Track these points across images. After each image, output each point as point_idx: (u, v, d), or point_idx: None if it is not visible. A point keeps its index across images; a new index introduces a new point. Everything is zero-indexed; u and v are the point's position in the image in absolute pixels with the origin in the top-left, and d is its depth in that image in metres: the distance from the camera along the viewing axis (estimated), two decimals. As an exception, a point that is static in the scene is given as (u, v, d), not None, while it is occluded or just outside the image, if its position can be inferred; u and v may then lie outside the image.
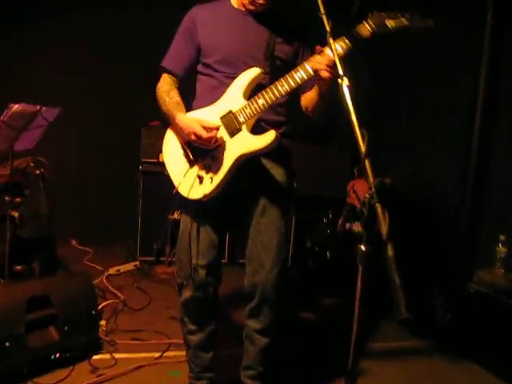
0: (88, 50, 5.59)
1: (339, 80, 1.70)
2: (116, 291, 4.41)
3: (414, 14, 2.15)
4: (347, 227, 5.19)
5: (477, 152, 4.01)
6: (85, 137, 5.63)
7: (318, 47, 2.22)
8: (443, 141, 4.79)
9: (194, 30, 2.53)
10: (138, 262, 5.16)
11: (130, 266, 5.08)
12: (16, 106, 3.54)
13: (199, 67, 2.58)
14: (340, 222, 5.22)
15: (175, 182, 2.49)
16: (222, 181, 2.39)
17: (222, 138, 2.39)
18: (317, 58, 2.22)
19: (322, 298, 4.84)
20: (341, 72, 1.73)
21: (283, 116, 2.56)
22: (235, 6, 2.54)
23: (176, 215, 4.86)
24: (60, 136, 4.89)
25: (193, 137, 2.36)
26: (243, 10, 2.50)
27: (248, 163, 2.40)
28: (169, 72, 2.60)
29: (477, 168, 4.01)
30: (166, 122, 2.57)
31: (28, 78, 5.30)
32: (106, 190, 5.75)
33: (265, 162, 2.51)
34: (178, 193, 2.46)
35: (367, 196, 1.52)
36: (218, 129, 2.36)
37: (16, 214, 3.91)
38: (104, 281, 4.66)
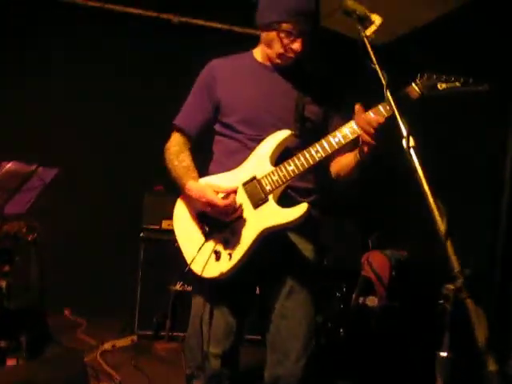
0: (90, 109, 5.39)
1: (403, 142, 1.38)
2: (111, 371, 4.00)
3: (468, 78, 1.93)
4: (361, 301, 4.84)
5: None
6: (83, 200, 5.36)
7: (357, 107, 1.94)
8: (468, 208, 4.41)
9: (212, 84, 2.27)
10: (135, 337, 4.78)
11: (126, 341, 4.69)
12: (9, 164, 3.22)
13: (217, 127, 2.31)
14: (354, 296, 4.87)
15: (187, 257, 2.17)
16: (242, 257, 2.07)
17: (242, 208, 2.09)
18: (359, 120, 1.94)
19: (336, 380, 4.40)
20: (404, 132, 1.42)
21: (313, 183, 2.27)
22: (259, 59, 2.28)
23: (178, 286, 4.67)
24: (57, 199, 4.71)
25: (208, 208, 2.08)
26: (268, 63, 2.24)
27: (272, 237, 2.10)
28: (181, 131, 2.35)
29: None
30: (177, 188, 2.27)
31: (26, 135, 5.08)
32: (104, 258, 5.43)
33: (291, 235, 2.21)
34: (190, 270, 2.15)
35: (451, 288, 1.15)
36: (235, 192, 2.07)
37: (3, 284, 3.57)
38: (98, 358, 4.25)
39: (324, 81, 2.33)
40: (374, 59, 1.59)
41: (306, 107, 2.20)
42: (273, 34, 2.13)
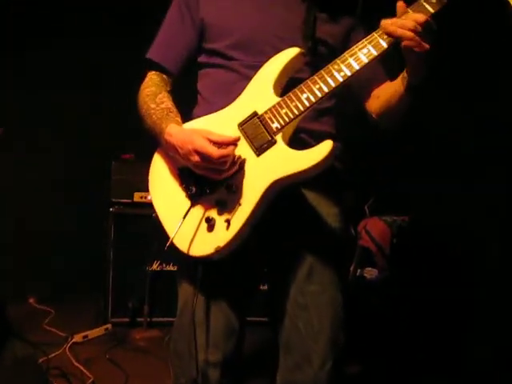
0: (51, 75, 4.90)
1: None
2: (83, 368, 3.57)
3: None
4: (358, 273, 4.46)
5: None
6: (44, 174, 4.91)
7: (400, 3, 1.47)
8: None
9: (193, 1, 1.78)
10: (109, 325, 4.40)
11: (99, 331, 4.30)
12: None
13: (202, 58, 1.81)
14: (352, 269, 4.50)
15: (169, 229, 1.64)
16: (244, 225, 1.53)
17: (242, 157, 1.58)
18: (396, 21, 1.47)
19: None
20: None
21: (332, 127, 1.78)
22: None
23: (156, 266, 4.34)
24: (12, 169, 4.44)
25: (195, 158, 1.54)
26: None
27: (283, 198, 1.59)
28: (157, 67, 1.84)
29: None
30: (154, 140, 1.73)
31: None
32: (71, 238, 5.05)
33: (309, 195, 1.71)
34: (172, 246, 1.61)
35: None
36: (235, 143, 1.56)
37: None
38: (67, 352, 3.82)
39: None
40: None
41: (318, 25, 1.71)
42: None
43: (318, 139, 1.62)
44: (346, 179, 1.84)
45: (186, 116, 1.78)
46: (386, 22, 1.48)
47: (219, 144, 1.53)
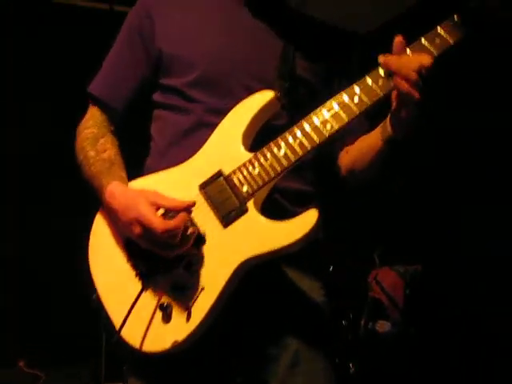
0: None
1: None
2: None
3: None
4: (369, 327, 4.21)
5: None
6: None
7: (398, 39, 1.23)
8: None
9: (148, 26, 1.52)
10: None
11: None
12: None
13: (157, 95, 1.53)
14: (363, 322, 4.28)
15: (114, 317, 1.34)
16: (209, 314, 1.24)
17: (202, 228, 1.29)
18: (394, 62, 1.22)
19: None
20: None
21: (312, 184, 1.50)
22: None
23: None
24: None
25: (136, 229, 1.25)
26: None
27: (257, 274, 1.30)
28: (100, 103, 1.57)
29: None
30: (94, 195, 1.45)
31: None
32: (62, 295, 4.66)
33: (287, 269, 1.42)
34: (119, 341, 1.32)
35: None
36: (189, 210, 1.27)
37: None
38: None
39: (325, 27, 1.60)
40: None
41: (297, 62, 1.45)
42: None
43: (294, 201, 1.40)
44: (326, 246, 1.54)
45: (138, 163, 1.51)
46: (388, 59, 1.21)
47: (169, 210, 1.25)
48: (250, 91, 1.37)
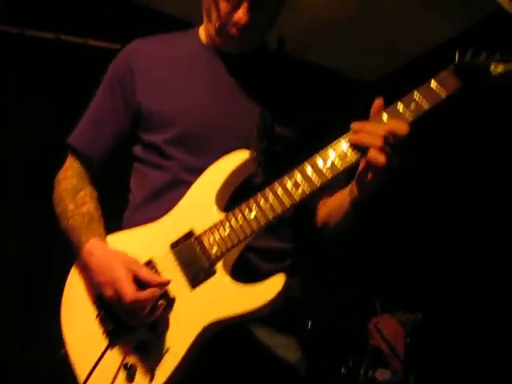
0: None
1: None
2: None
3: None
4: (369, 375, 4.14)
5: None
6: None
7: (378, 102, 1.21)
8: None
9: (128, 79, 1.50)
10: None
11: None
12: None
13: (137, 149, 1.51)
14: (362, 370, 4.18)
15: (79, 372, 1.31)
16: (172, 376, 1.20)
17: (170, 290, 1.26)
18: (367, 126, 1.17)
19: None
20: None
21: (288, 240, 1.46)
22: (204, 40, 1.53)
23: None
24: None
25: (108, 292, 1.25)
26: (220, 46, 1.48)
27: (223, 336, 1.26)
28: (79, 155, 1.55)
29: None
30: (70, 249, 1.41)
31: None
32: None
33: (256, 329, 1.36)
34: None
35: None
36: (163, 285, 1.25)
37: None
38: None
39: (305, 87, 1.58)
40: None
41: (277, 120, 1.42)
42: None
43: (269, 258, 1.35)
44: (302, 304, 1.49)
45: (117, 212, 1.48)
46: (356, 125, 1.18)
47: (144, 282, 1.23)
48: (227, 150, 1.34)
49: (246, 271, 1.28)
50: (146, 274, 1.24)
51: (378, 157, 1.12)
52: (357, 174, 1.24)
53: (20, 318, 3.63)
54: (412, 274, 4.33)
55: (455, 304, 3.97)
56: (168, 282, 1.24)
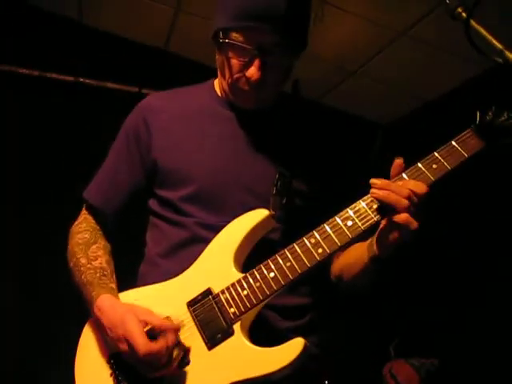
0: None
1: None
2: None
3: None
4: None
5: None
6: None
7: (398, 161, 1.21)
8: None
9: (144, 135, 1.48)
10: None
11: None
12: None
13: (152, 203, 1.50)
14: None
15: None
16: None
17: (188, 348, 1.23)
18: (392, 186, 1.17)
19: None
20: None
21: (306, 295, 1.43)
22: (219, 94, 1.53)
23: None
24: None
25: (123, 346, 1.21)
26: (234, 102, 1.46)
27: None
28: (93, 209, 1.54)
29: None
30: (83, 304, 1.40)
31: None
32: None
33: None
34: None
35: None
36: (175, 332, 1.22)
37: None
38: None
39: (323, 143, 1.55)
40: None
41: (295, 176, 1.42)
42: (220, 51, 1.41)
43: (288, 316, 1.32)
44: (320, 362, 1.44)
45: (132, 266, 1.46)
46: (376, 184, 1.17)
47: (157, 329, 1.20)
48: (245, 207, 1.33)
49: (264, 330, 1.26)
50: (157, 320, 1.22)
51: (409, 219, 1.12)
52: (378, 232, 1.23)
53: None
54: (428, 318, 4.28)
55: (472, 350, 3.91)
56: (179, 327, 1.22)
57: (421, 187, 1.14)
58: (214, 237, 1.33)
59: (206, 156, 1.42)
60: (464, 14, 1.17)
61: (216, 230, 1.33)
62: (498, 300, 3.73)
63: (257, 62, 1.31)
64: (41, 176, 3.57)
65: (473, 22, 1.12)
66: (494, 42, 1.08)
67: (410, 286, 4.28)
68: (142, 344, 1.16)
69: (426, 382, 3.80)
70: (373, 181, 1.18)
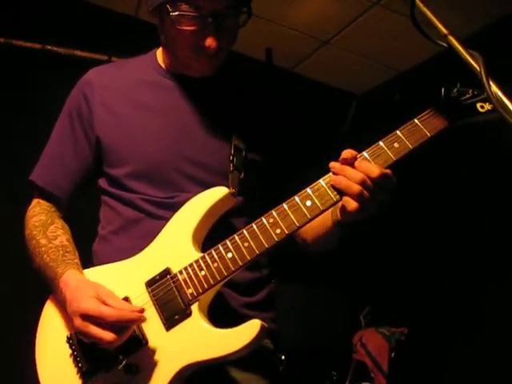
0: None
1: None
2: None
3: None
4: None
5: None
6: None
7: (347, 152, 1.17)
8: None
9: (86, 111, 1.44)
10: None
11: None
12: None
13: (102, 182, 1.46)
14: None
15: None
16: None
17: (145, 329, 1.22)
18: (347, 170, 1.14)
19: None
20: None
21: (265, 267, 1.44)
22: (163, 65, 1.48)
23: None
24: None
25: (76, 320, 1.18)
26: (183, 72, 1.43)
27: (198, 377, 1.21)
28: (43, 192, 1.48)
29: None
30: (45, 285, 1.36)
31: None
32: None
33: (231, 369, 1.31)
34: None
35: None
36: (140, 311, 1.19)
37: None
38: None
39: (272, 107, 1.53)
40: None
41: (249, 147, 1.39)
42: (169, 23, 1.33)
43: (247, 291, 1.33)
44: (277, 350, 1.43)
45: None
46: (334, 168, 1.16)
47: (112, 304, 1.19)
48: (198, 183, 1.32)
49: (220, 307, 1.26)
50: (109, 295, 1.21)
51: (350, 203, 1.12)
52: (339, 208, 1.22)
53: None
54: (398, 288, 4.34)
55: (440, 320, 3.96)
56: (142, 310, 1.20)
57: (373, 170, 1.12)
58: (163, 213, 1.32)
59: (149, 130, 1.38)
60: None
61: (164, 206, 1.32)
62: (465, 271, 3.78)
63: (213, 30, 1.28)
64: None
65: (420, 4, 1.10)
66: (439, 25, 1.06)
67: (381, 255, 4.35)
68: (94, 306, 1.16)
69: (395, 351, 3.86)
70: (331, 164, 1.17)
